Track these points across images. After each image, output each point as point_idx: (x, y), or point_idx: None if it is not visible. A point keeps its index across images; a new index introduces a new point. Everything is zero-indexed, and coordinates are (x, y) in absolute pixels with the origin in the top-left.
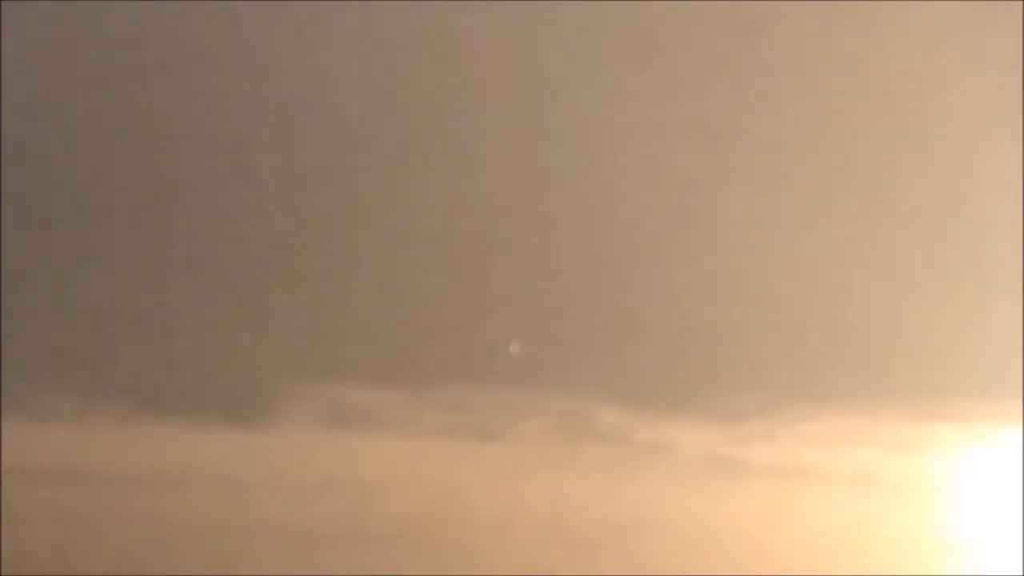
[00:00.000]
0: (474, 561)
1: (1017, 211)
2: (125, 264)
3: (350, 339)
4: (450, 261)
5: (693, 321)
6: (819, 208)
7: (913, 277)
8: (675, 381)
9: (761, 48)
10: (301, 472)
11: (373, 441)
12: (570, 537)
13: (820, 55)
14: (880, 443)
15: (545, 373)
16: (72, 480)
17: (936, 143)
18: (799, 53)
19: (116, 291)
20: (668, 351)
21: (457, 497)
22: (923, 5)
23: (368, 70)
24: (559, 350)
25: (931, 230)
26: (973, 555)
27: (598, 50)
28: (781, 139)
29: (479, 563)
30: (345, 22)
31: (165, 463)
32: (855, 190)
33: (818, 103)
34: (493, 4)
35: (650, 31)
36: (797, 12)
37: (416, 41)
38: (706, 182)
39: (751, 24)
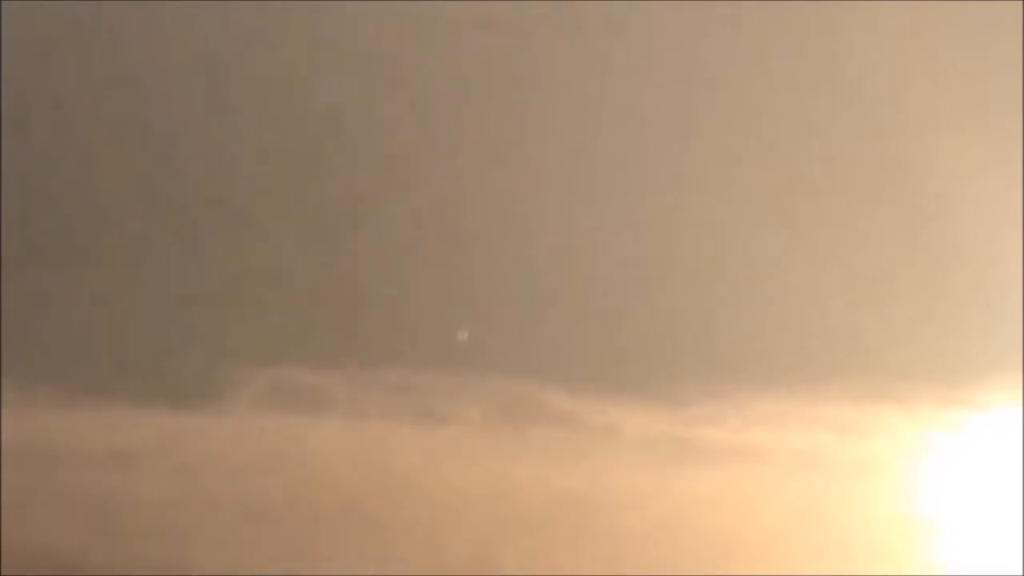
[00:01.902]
0: (419, 543)
1: (1017, 211)
2: (70, 247)
3: (294, 321)
4: (396, 243)
5: (640, 304)
6: (770, 197)
7: (859, 260)
8: (622, 364)
9: (758, 47)
10: (246, 454)
11: (318, 424)
12: (516, 519)
13: (818, 54)
14: (825, 425)
15: (491, 355)
16: (15, 461)
17: (935, 142)
18: (797, 53)
19: (60, 273)
20: (615, 334)
21: (402, 480)
22: (923, 5)
23: (341, 59)
24: (505, 332)
25: (900, 220)
26: (920, 536)
27: (573, 42)
28: (766, 134)
29: (424, 545)
30: (342, 19)
31: (110, 445)
32: (827, 184)
33: (814, 102)
34: (485, 4)
35: (635, 29)
36: (796, 12)
37: (397, 36)
38: (659, 169)
39: (750, 23)
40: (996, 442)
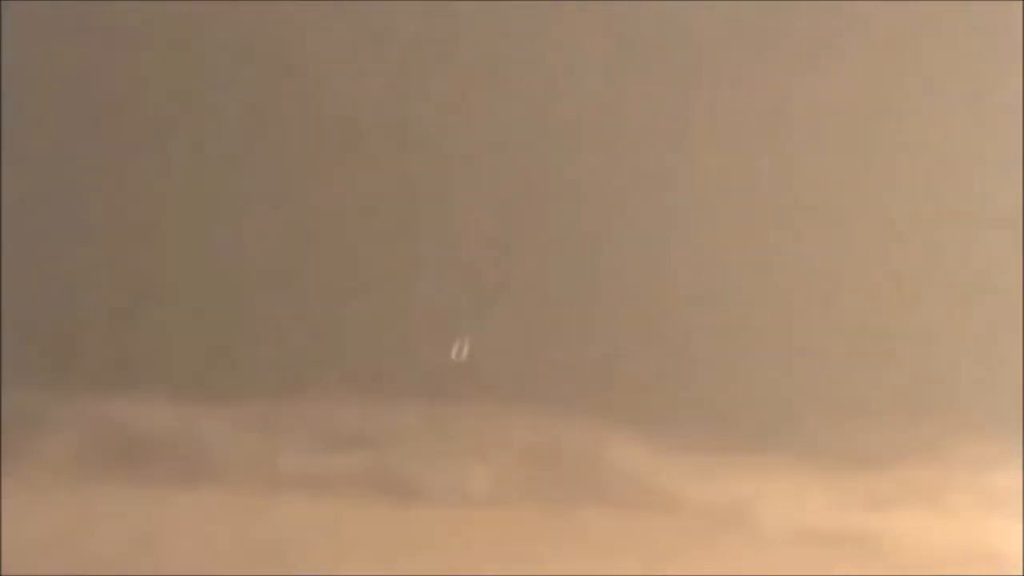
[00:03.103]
0: None
1: (1017, 211)
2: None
3: None
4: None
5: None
6: (799, 215)
7: (905, 282)
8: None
9: (759, 47)
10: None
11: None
12: None
13: (817, 55)
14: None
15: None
16: None
17: (935, 143)
18: (796, 53)
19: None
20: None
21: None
22: (923, 5)
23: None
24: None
25: (926, 236)
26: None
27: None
28: (768, 143)
29: None
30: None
31: None
32: (845, 194)
33: (813, 102)
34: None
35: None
36: (795, 12)
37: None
38: (679, 185)
39: (751, 22)
40: None
